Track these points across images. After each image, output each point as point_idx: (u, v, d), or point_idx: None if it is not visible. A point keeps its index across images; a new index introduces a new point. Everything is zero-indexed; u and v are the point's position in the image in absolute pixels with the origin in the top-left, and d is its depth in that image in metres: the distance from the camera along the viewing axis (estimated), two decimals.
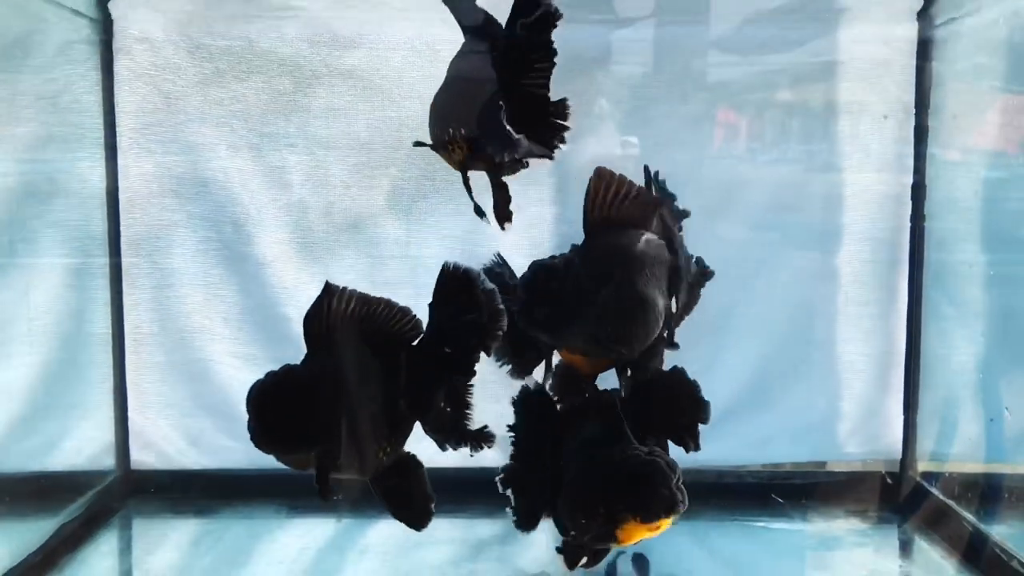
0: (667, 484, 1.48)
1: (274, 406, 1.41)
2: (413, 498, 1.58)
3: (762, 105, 2.39)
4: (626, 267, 1.59)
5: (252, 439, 1.41)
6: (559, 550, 1.68)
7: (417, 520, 1.58)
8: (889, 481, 2.37)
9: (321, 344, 1.44)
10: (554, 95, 2.26)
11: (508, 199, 1.58)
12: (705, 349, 2.36)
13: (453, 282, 1.51)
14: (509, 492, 1.70)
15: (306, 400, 1.42)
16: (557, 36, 2.19)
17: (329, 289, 1.43)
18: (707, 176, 2.35)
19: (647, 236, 1.61)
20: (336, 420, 1.44)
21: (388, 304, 1.49)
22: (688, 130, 2.33)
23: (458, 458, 2.36)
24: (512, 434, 1.71)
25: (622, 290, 1.58)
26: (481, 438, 1.61)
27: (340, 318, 1.43)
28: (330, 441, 1.44)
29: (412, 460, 1.60)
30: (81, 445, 2.31)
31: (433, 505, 1.57)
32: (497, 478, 1.69)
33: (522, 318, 1.59)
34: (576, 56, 2.27)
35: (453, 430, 1.59)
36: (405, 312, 1.50)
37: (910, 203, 2.32)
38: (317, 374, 1.44)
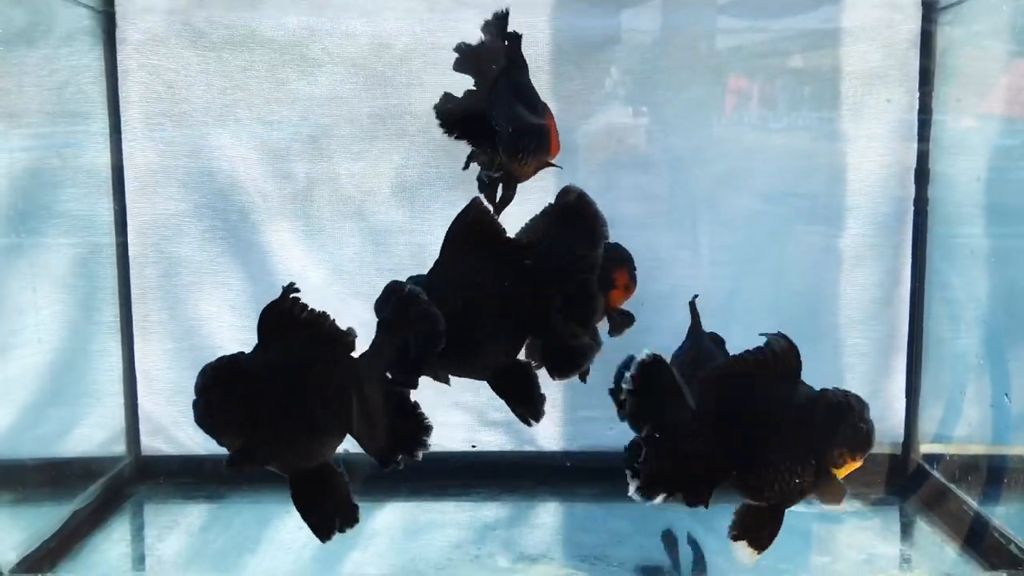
0: (865, 417, 1.55)
1: (212, 390, 1.51)
2: (328, 504, 1.62)
3: (763, 72, 2.39)
4: (466, 297, 1.63)
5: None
6: (736, 536, 1.65)
7: (320, 532, 1.63)
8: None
9: (271, 339, 1.54)
10: (569, 72, 2.29)
11: None
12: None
13: (400, 302, 1.57)
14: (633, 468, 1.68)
15: (243, 390, 1.50)
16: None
17: (292, 288, 1.53)
18: (710, 148, 2.37)
19: (496, 266, 1.64)
20: (265, 413, 1.51)
21: (335, 322, 1.58)
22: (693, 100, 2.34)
23: (464, 442, 2.42)
24: (623, 407, 1.67)
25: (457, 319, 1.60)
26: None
27: (293, 319, 1.53)
28: (255, 431, 1.51)
29: (330, 468, 1.63)
30: (92, 432, 2.35)
31: (353, 514, 1.62)
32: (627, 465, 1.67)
33: None
34: (585, 32, 2.30)
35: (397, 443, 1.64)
36: (350, 332, 1.58)
37: (914, 182, 2.32)
38: (260, 366, 1.52)
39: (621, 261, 1.96)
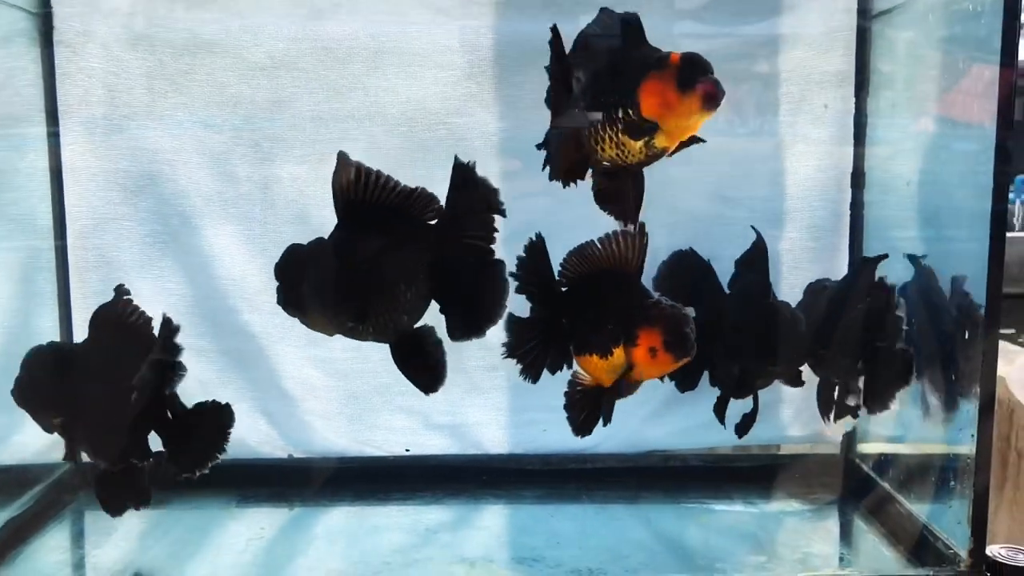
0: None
1: (28, 371, 1.89)
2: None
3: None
4: (372, 252, 1.76)
5: None
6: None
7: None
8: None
9: (92, 337, 1.85)
10: (530, 77, 2.29)
11: None
12: None
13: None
14: None
15: (56, 374, 1.85)
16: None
17: (122, 290, 1.87)
18: None
19: (400, 223, 1.74)
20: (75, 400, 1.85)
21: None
22: None
23: (406, 446, 2.42)
24: None
25: (365, 275, 1.75)
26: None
27: (117, 322, 1.84)
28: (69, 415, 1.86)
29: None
30: (31, 439, 2.30)
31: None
32: None
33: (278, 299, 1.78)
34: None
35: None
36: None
37: (849, 188, 2.36)
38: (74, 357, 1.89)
39: (656, 319, 1.79)
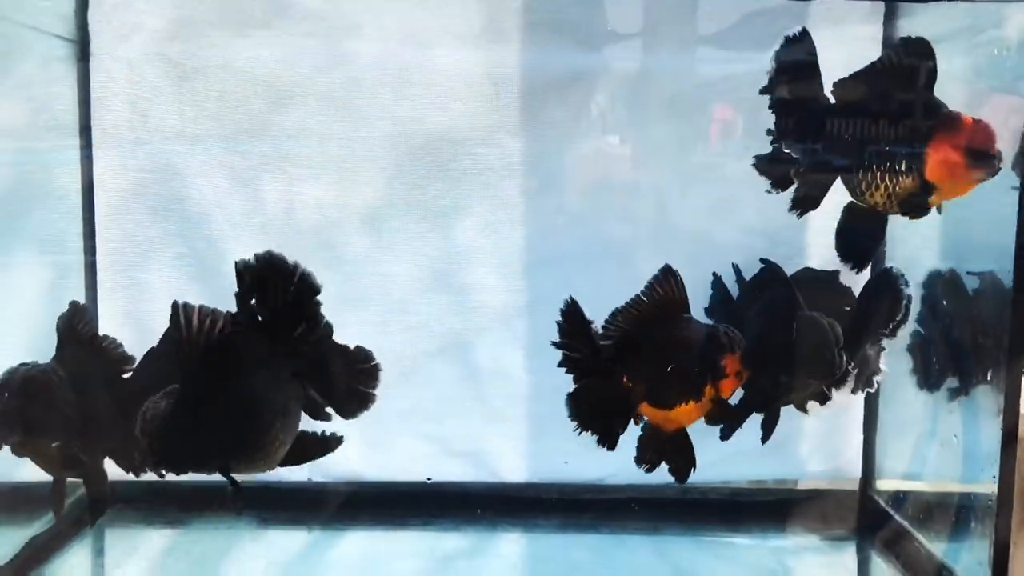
0: None
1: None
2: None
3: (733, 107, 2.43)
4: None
5: None
6: None
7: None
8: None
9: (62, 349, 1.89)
10: (546, 101, 2.33)
11: None
12: None
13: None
14: None
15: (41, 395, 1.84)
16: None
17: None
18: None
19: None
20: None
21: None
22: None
23: (427, 473, 2.43)
24: None
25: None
26: None
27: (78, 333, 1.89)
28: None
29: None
30: None
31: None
32: None
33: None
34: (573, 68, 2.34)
35: None
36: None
37: None
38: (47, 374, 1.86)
39: (732, 346, 1.79)
